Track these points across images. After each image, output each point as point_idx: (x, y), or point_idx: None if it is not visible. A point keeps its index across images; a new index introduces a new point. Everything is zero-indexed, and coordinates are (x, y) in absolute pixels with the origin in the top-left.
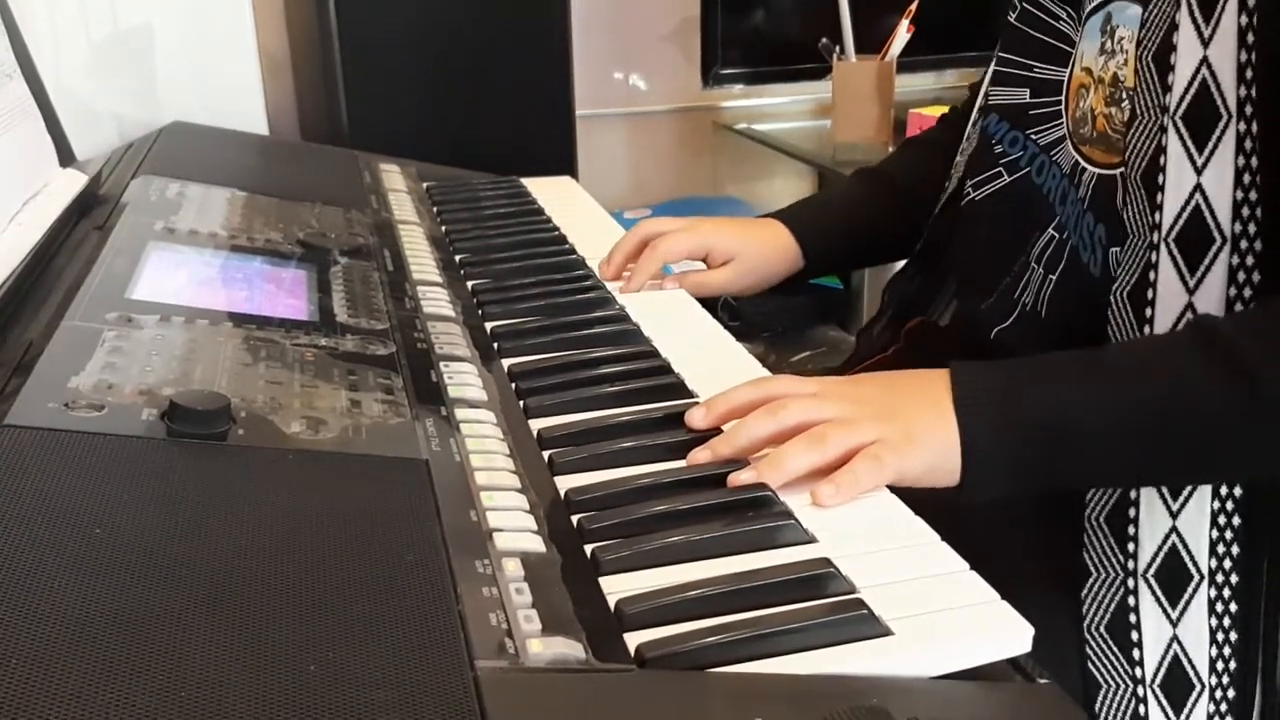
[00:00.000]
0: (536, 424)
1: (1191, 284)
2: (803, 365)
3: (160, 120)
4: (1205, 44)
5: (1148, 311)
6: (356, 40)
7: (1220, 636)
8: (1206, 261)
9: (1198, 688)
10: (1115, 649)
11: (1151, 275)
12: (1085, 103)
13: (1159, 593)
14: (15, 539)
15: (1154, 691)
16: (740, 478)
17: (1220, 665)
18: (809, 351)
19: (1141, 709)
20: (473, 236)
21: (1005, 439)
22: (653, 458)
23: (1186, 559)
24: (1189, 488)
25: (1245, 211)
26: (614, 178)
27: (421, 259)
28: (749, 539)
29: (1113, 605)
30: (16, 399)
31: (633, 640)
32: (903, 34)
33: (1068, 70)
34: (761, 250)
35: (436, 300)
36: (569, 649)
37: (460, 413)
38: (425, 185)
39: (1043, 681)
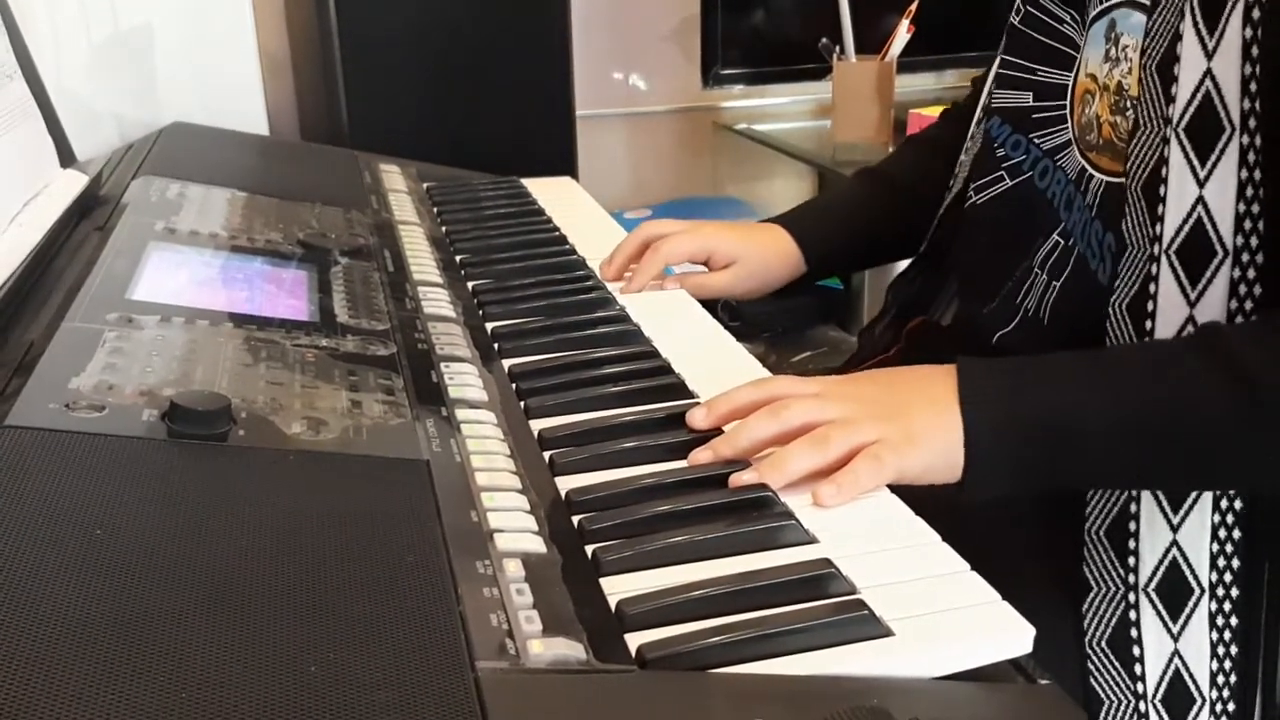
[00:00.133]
0: (537, 424)
1: (1193, 296)
2: (803, 365)
3: (160, 121)
4: (1209, 56)
5: (1148, 324)
6: (356, 40)
7: (1221, 650)
8: (1208, 274)
9: (1198, 702)
10: (1117, 664)
11: (1152, 287)
12: (1091, 109)
13: (1160, 607)
14: (16, 540)
15: (1155, 706)
16: (742, 478)
17: (1221, 679)
18: (809, 351)
19: None
20: (473, 237)
21: (1007, 437)
22: (654, 458)
23: (1187, 572)
24: (1189, 501)
25: (1247, 224)
26: (614, 178)
27: (422, 259)
28: (750, 539)
29: (1114, 620)
30: (17, 400)
31: (634, 641)
32: (903, 34)
33: (1072, 74)
34: (763, 255)
35: (437, 301)
36: (570, 650)
37: (461, 413)
38: (425, 185)
39: (1044, 682)
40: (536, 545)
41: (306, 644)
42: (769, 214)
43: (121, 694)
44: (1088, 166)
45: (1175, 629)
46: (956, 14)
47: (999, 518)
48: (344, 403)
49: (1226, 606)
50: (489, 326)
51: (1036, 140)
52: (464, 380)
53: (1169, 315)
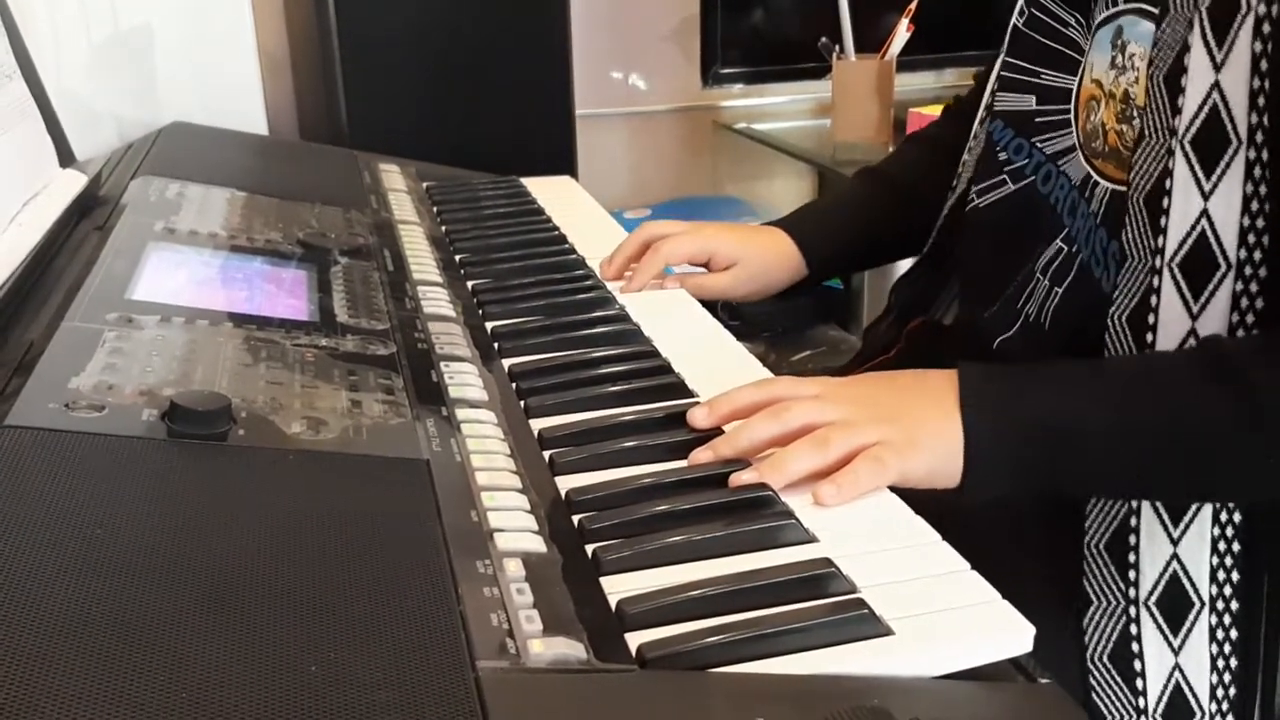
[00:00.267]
0: (537, 424)
1: (1195, 310)
2: (803, 365)
3: (160, 120)
4: (1217, 68)
5: (1148, 337)
6: (356, 39)
7: (1221, 663)
8: (1210, 287)
9: (1198, 715)
10: (1118, 678)
11: (1153, 300)
12: (1096, 116)
13: (1161, 621)
14: (16, 539)
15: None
16: (742, 478)
17: (1220, 692)
18: (809, 351)
19: None
20: (473, 236)
21: (1006, 438)
22: (653, 458)
23: (1188, 586)
24: (1189, 514)
25: (1251, 238)
26: (614, 178)
27: (422, 259)
28: (750, 539)
29: (1114, 634)
30: (17, 400)
31: (634, 640)
32: (902, 33)
33: (1076, 79)
34: (763, 257)
35: (437, 300)
36: (570, 649)
37: (461, 413)
38: (425, 185)
39: (1044, 681)
40: (537, 545)
41: (306, 644)
42: (769, 214)
43: (121, 694)
44: (1093, 173)
45: (1176, 642)
46: (956, 13)
47: (999, 531)
48: (344, 402)
49: (1226, 619)
50: (489, 326)
51: (1039, 144)
52: (464, 380)
53: (1170, 328)
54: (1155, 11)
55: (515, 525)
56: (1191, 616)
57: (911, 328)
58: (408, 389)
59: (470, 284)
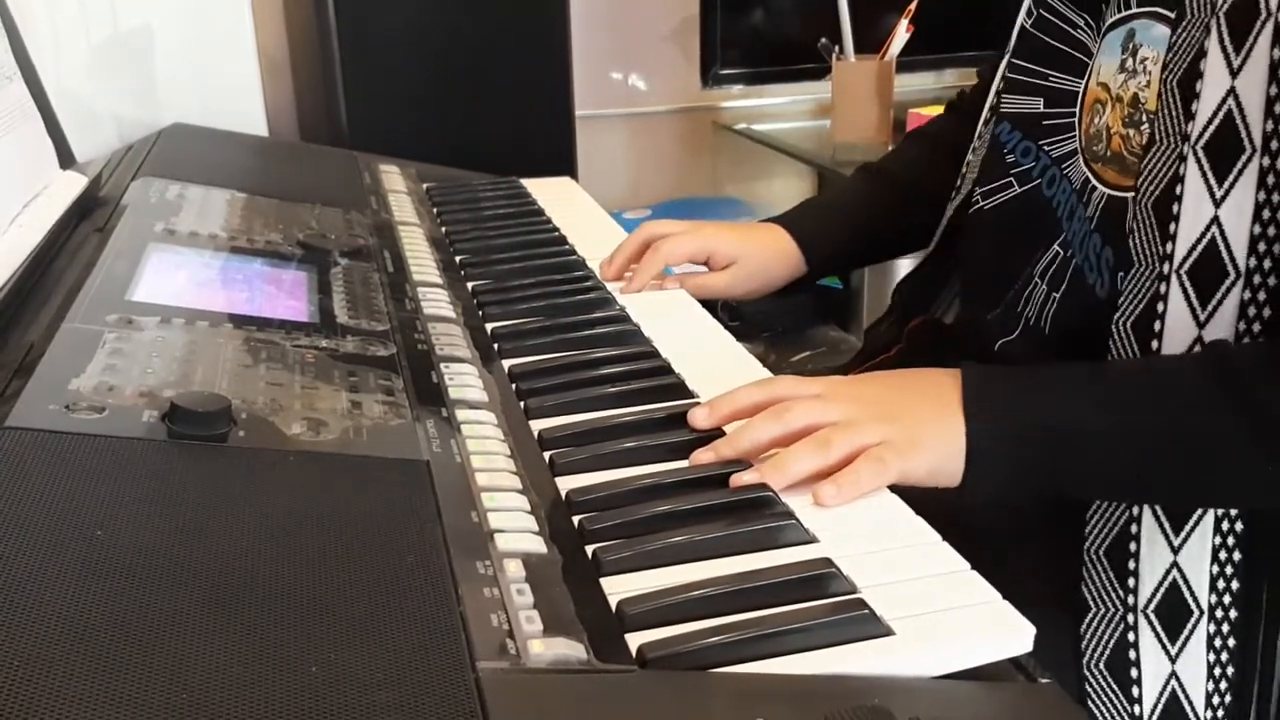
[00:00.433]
0: (537, 425)
1: (1202, 318)
2: (803, 365)
3: (160, 121)
4: (1234, 74)
5: (1154, 344)
6: (356, 40)
7: (1218, 671)
8: (1219, 295)
9: None
10: (1114, 685)
11: (1160, 307)
12: (1100, 119)
13: (1159, 629)
14: (16, 541)
15: None
16: (743, 478)
17: (1216, 699)
18: (809, 351)
19: None
20: (473, 237)
21: (1007, 439)
22: (654, 458)
23: (1187, 595)
24: (1191, 522)
25: (1261, 247)
26: (614, 178)
27: (422, 260)
28: (750, 539)
29: (1112, 642)
30: (17, 401)
31: (634, 641)
32: (902, 34)
33: (1083, 82)
34: (763, 255)
35: (437, 301)
36: (570, 650)
37: (461, 414)
38: (425, 186)
39: (1044, 681)
40: (537, 545)
41: (306, 644)
42: (768, 214)
43: (122, 694)
44: (1090, 178)
45: (1173, 651)
46: (956, 13)
47: (999, 534)
48: (344, 403)
49: (1225, 628)
50: (489, 327)
51: (1046, 147)
52: (464, 381)
53: (1176, 335)
54: (1171, 15)
55: (515, 526)
56: (1190, 625)
57: (913, 327)
58: (408, 390)
59: (470, 285)
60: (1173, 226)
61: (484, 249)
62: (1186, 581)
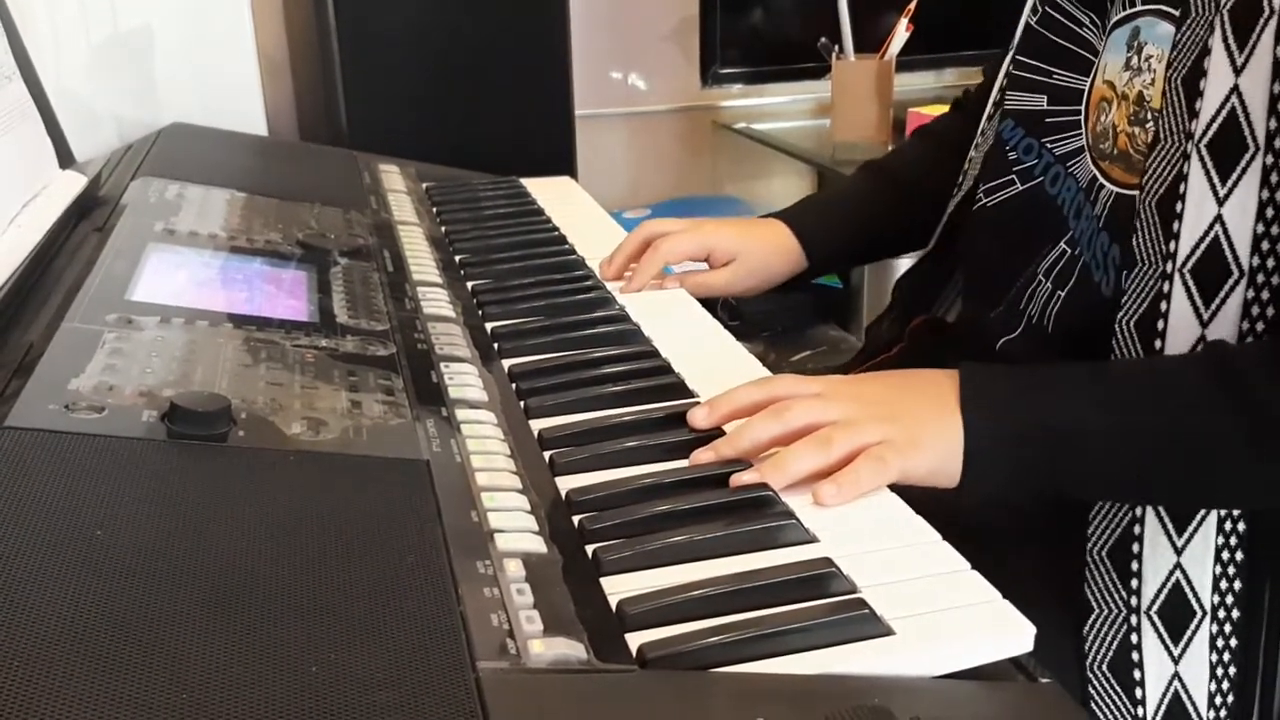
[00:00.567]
0: (537, 424)
1: (1205, 317)
2: (802, 364)
3: (160, 121)
4: (1237, 72)
5: (1157, 343)
6: (356, 40)
7: (1220, 671)
8: (1222, 294)
9: None
10: (1117, 687)
11: (1163, 305)
12: (1107, 118)
13: (1161, 630)
14: (16, 541)
15: None
16: (743, 478)
17: (1219, 699)
18: (809, 351)
19: None
20: (472, 237)
21: (1006, 438)
22: (654, 458)
23: (1190, 595)
24: (1193, 523)
25: (1265, 245)
26: (613, 178)
27: (421, 259)
28: (750, 539)
29: (1115, 643)
30: (17, 401)
31: (634, 640)
32: (902, 33)
33: (1089, 79)
34: (763, 251)
35: (437, 301)
36: (571, 649)
37: (461, 413)
38: (425, 185)
39: (1045, 681)
40: (537, 545)
41: (307, 644)
42: (768, 213)
43: (122, 694)
44: (1099, 175)
45: (1176, 652)
46: (956, 13)
47: (1000, 537)
48: (344, 403)
49: (1227, 628)
50: (489, 326)
51: (1049, 145)
52: (464, 380)
53: (1180, 334)
54: (1175, 13)
55: (515, 526)
56: (1193, 626)
57: (914, 325)
58: (408, 390)
59: (470, 284)
60: (1176, 225)
61: (484, 248)
62: (1189, 582)
